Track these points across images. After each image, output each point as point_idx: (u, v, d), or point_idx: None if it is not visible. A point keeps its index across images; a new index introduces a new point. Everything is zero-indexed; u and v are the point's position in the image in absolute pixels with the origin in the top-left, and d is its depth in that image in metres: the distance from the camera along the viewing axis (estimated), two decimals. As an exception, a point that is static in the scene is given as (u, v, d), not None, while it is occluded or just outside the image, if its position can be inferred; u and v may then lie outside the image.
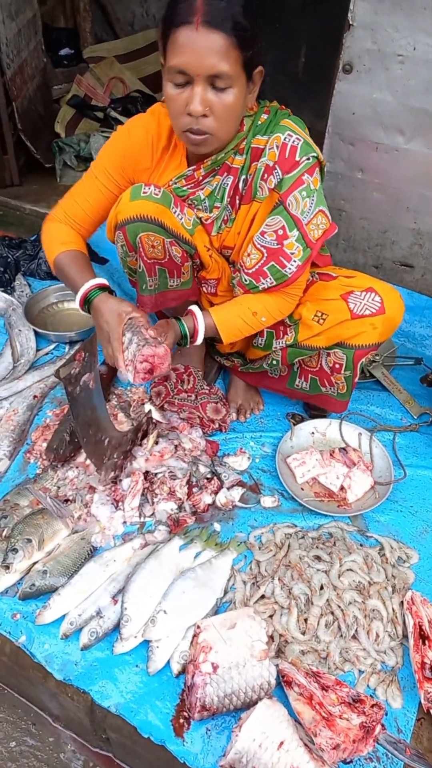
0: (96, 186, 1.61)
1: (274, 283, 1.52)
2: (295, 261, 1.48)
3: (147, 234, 1.53)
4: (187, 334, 1.58)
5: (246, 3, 1.27)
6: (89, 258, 1.67)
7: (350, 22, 2.00)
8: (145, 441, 1.73)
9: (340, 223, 2.37)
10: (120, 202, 1.54)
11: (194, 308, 1.60)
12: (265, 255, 1.50)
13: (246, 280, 1.56)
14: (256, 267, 1.52)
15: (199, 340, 1.60)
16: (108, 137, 3.48)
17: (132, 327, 1.44)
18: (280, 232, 1.46)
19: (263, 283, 1.54)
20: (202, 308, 1.62)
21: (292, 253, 1.47)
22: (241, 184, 1.53)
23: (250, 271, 1.54)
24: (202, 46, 1.24)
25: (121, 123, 3.48)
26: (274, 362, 1.78)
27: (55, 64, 4.03)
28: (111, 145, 1.60)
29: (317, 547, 1.54)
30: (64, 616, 1.39)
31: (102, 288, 1.54)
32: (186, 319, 1.59)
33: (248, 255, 1.54)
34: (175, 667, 1.32)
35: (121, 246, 1.61)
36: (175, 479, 1.67)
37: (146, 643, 1.36)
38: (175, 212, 1.55)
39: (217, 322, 1.59)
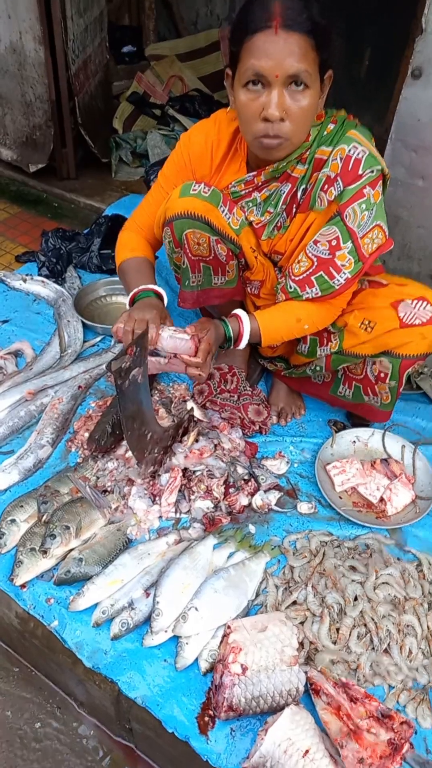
0: (161, 193, 1.64)
1: (320, 293, 1.50)
2: (344, 273, 1.46)
3: (193, 231, 1.54)
4: (232, 337, 1.56)
5: (322, 5, 1.26)
6: (153, 266, 1.70)
7: (423, 27, 1.95)
8: (185, 438, 1.74)
9: (396, 231, 2.32)
10: (169, 199, 1.55)
11: (240, 312, 1.58)
12: (315, 264, 1.48)
13: (291, 287, 1.54)
14: (304, 275, 1.51)
15: (243, 344, 1.58)
16: (164, 135, 3.53)
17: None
18: (334, 243, 1.44)
19: (308, 293, 1.52)
20: (247, 311, 1.61)
21: (343, 265, 1.45)
22: (299, 193, 1.52)
23: (297, 279, 1.52)
24: (282, 49, 1.24)
25: (179, 121, 3.55)
26: (318, 368, 1.77)
27: (117, 61, 4.10)
28: (174, 153, 1.62)
29: (353, 557, 1.52)
30: (96, 605, 1.41)
31: (153, 293, 1.58)
32: (231, 321, 1.56)
33: (298, 262, 1.53)
34: (203, 665, 1.33)
35: (168, 242, 1.63)
36: (212, 478, 1.67)
37: (176, 638, 1.36)
38: (222, 211, 1.55)
39: (261, 327, 1.58)
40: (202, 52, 4.17)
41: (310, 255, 1.49)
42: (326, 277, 1.47)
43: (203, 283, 1.66)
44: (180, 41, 4.23)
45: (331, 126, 1.45)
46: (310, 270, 1.49)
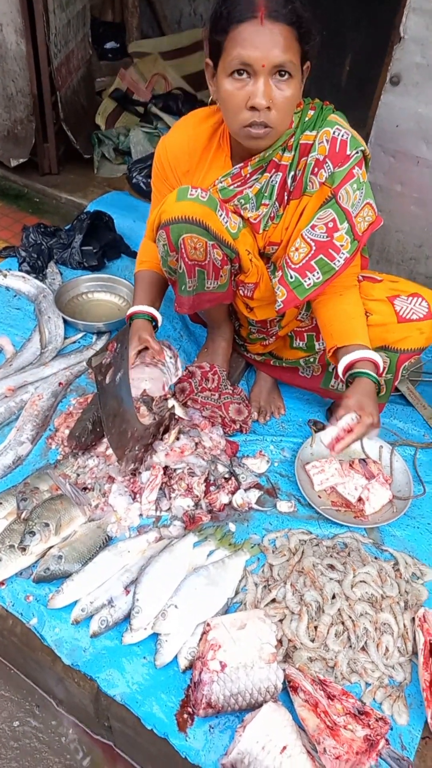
0: (161, 195, 1.64)
1: (321, 278, 1.50)
2: (343, 253, 1.48)
3: (190, 236, 1.53)
4: (378, 381, 1.48)
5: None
6: (162, 275, 1.78)
7: (401, 35, 1.99)
8: (166, 436, 1.74)
9: (375, 235, 2.35)
10: (165, 202, 1.53)
11: (363, 353, 1.49)
12: (314, 248, 1.49)
13: (291, 277, 1.53)
14: (304, 261, 1.51)
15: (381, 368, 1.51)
16: (147, 132, 3.52)
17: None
18: (331, 225, 1.45)
19: (309, 279, 1.51)
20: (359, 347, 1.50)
21: (342, 245, 1.47)
22: (289, 181, 1.52)
23: (296, 266, 1.52)
24: (268, 39, 1.27)
25: (161, 119, 3.54)
26: (312, 360, 1.79)
27: (100, 57, 4.07)
28: (156, 155, 1.64)
29: (331, 555, 1.54)
30: (75, 602, 1.40)
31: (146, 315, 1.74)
32: (366, 365, 1.48)
33: (296, 249, 1.52)
34: (183, 663, 1.33)
35: (162, 245, 1.61)
36: (193, 476, 1.68)
37: (155, 635, 1.36)
38: (220, 215, 1.54)
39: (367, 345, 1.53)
40: (185, 51, 4.16)
41: (308, 240, 1.49)
42: (327, 260, 1.49)
43: (197, 287, 1.66)
44: (163, 39, 4.22)
45: (311, 112, 1.48)
46: (310, 255, 1.50)
